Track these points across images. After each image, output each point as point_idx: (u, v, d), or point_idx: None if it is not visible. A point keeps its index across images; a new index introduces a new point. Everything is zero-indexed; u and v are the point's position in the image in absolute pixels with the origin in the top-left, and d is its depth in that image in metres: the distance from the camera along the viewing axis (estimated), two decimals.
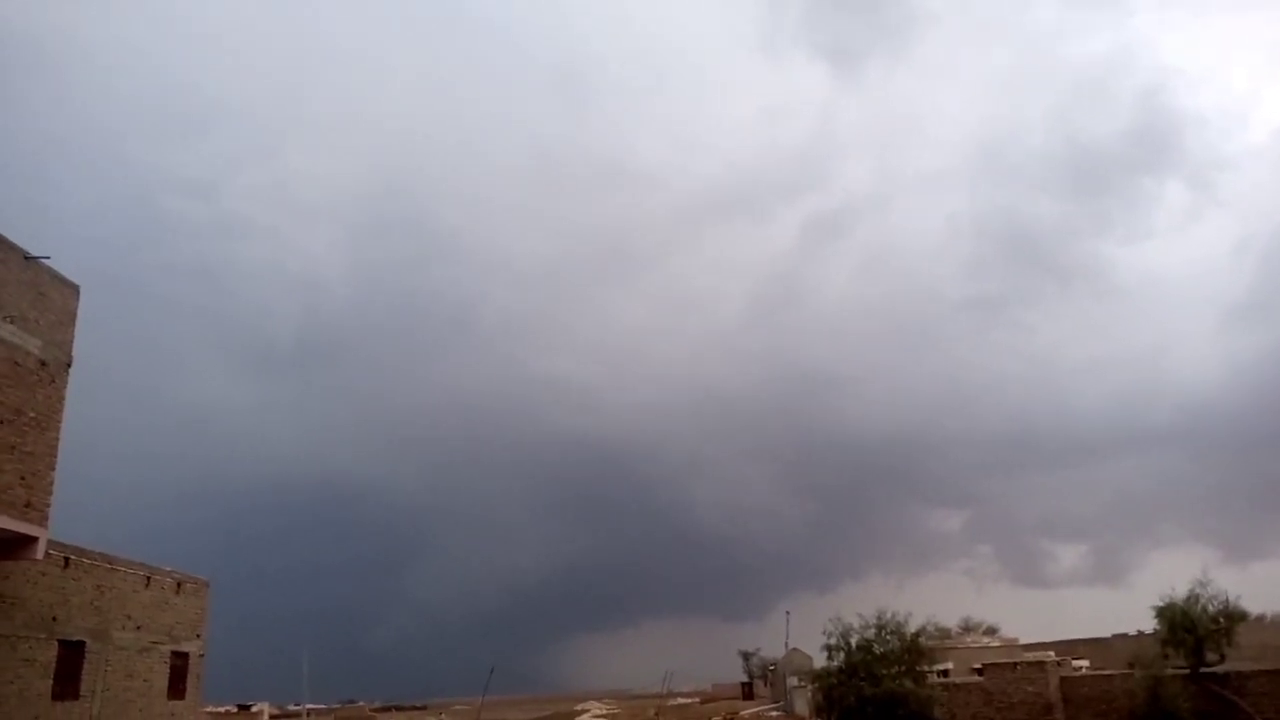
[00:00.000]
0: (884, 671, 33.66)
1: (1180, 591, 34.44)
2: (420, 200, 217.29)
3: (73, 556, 20.96)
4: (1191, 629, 33.47)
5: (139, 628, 23.41)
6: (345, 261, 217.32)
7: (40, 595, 19.77)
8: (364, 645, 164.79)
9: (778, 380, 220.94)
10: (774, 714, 60.90)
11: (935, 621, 44.19)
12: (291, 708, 77.16)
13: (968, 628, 64.88)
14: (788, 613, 69.50)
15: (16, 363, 16.47)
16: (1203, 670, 33.37)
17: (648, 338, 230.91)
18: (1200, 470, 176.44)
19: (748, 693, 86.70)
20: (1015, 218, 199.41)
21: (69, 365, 17.92)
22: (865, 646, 34.65)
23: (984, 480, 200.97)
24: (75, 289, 18.33)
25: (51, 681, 19.80)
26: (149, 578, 24.19)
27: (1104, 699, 35.19)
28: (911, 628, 35.03)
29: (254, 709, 64.26)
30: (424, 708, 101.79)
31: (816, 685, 39.52)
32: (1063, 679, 37.06)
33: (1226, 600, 33.82)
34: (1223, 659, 33.69)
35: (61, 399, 17.64)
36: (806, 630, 64.31)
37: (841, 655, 35.20)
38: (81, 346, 18.24)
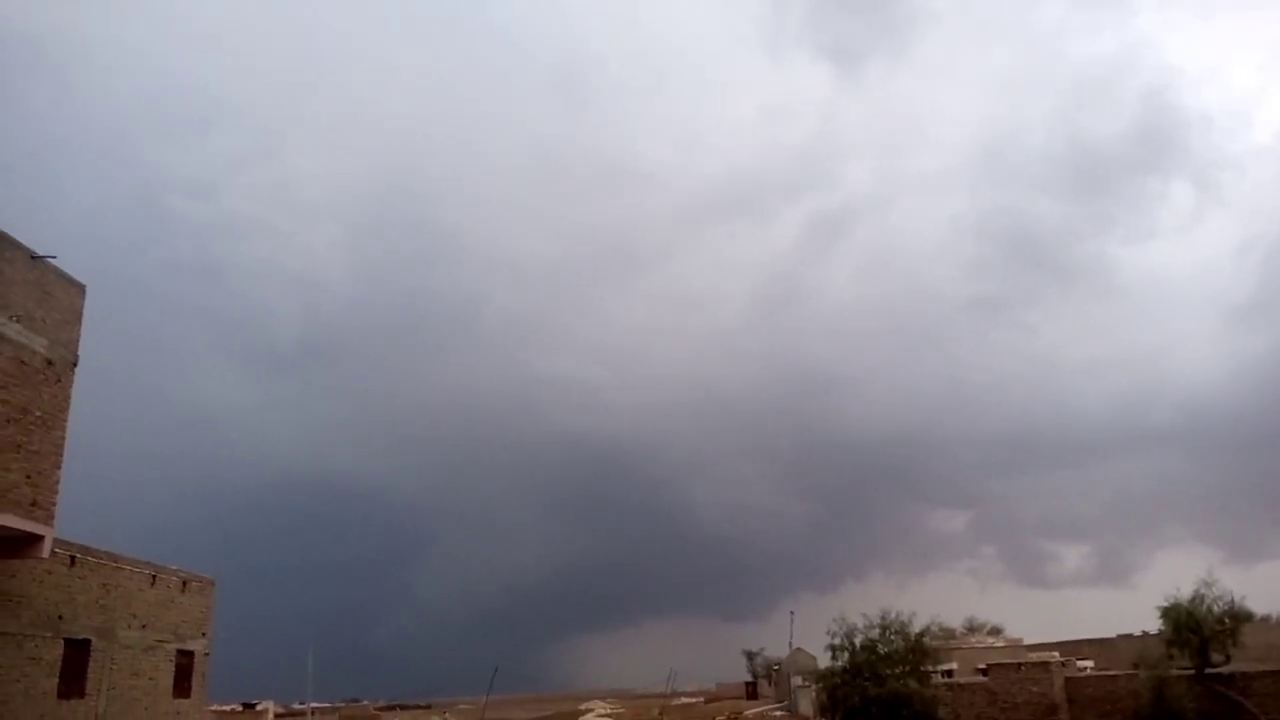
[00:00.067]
0: (888, 672, 33.61)
1: (1185, 592, 34.36)
2: (421, 200, 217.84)
3: (78, 555, 21.03)
4: (1196, 629, 33.36)
5: (144, 626, 23.47)
6: (346, 261, 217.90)
7: (46, 594, 19.83)
8: (367, 644, 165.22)
9: (779, 380, 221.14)
10: (778, 714, 60.87)
11: (939, 622, 44.18)
12: (296, 706, 77.36)
13: (972, 628, 64.75)
14: (792, 613, 69.71)
15: (23, 362, 16.52)
16: (1208, 671, 33.27)
17: (648, 338, 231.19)
18: (1203, 470, 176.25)
19: (752, 692, 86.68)
20: (1017, 218, 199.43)
21: (75, 364, 17.97)
22: (869, 646, 34.58)
23: (986, 480, 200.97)
24: (81, 288, 18.37)
25: (57, 680, 19.86)
26: (155, 576, 24.26)
27: (1109, 699, 35.10)
28: (916, 628, 34.98)
29: (259, 708, 64.43)
30: (428, 707, 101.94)
31: (821, 685, 39.44)
32: (1067, 679, 36.97)
33: (1231, 601, 33.69)
34: (1228, 660, 33.58)
35: (67, 398, 17.69)
36: (810, 630, 64.46)
37: (846, 655, 35.13)
38: (84, 346, 18.29)
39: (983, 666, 40.25)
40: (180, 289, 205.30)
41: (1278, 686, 32.27)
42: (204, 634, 26.46)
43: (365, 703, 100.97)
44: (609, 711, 75.37)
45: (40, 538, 16.88)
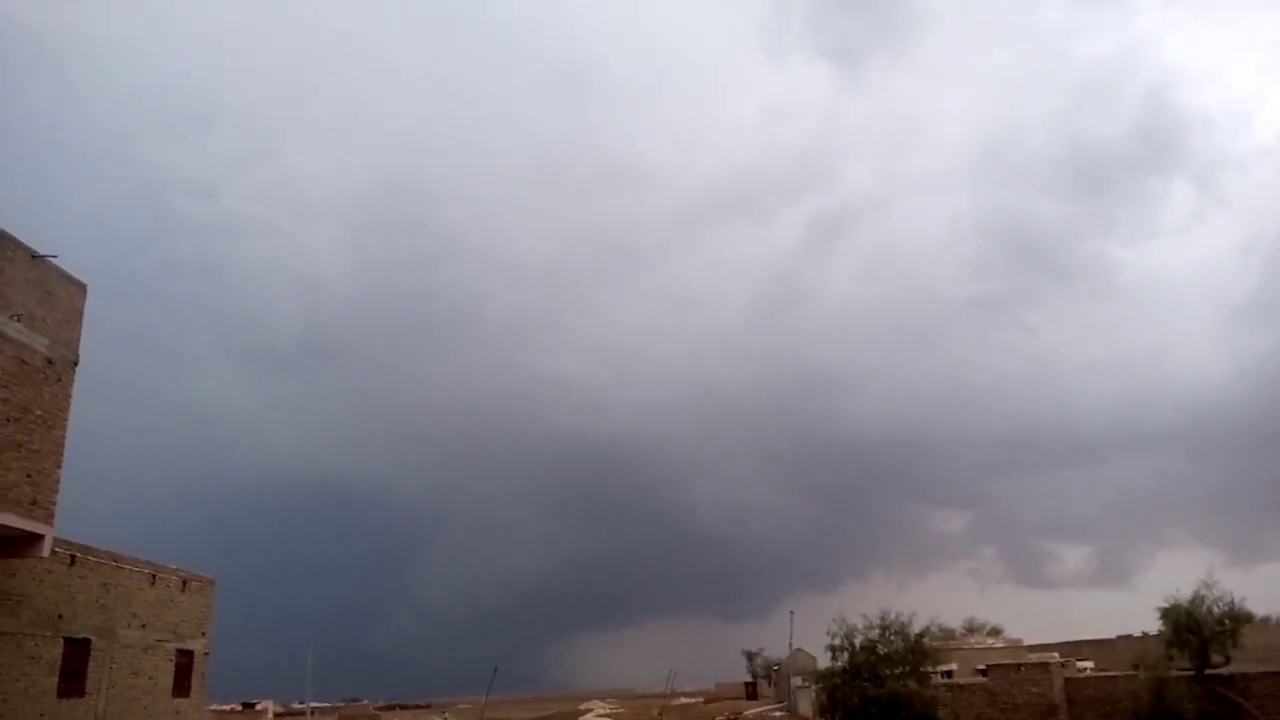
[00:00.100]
0: (888, 672, 33.62)
1: (1185, 593, 34.35)
2: (421, 200, 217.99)
3: (78, 554, 21.03)
4: (1196, 630, 33.35)
5: (144, 625, 23.47)
6: (346, 261, 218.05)
7: (46, 593, 19.83)
8: (367, 644, 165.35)
9: (779, 380, 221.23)
10: (778, 714, 60.88)
11: (939, 622, 44.20)
12: (295, 706, 77.39)
13: (971, 628, 64.76)
14: (792, 613, 69.73)
15: (24, 361, 16.52)
16: (1208, 672, 33.26)
17: (648, 338, 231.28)
18: (1204, 471, 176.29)
19: (751, 693, 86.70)
20: (1017, 218, 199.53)
21: (75, 364, 17.97)
22: (869, 647, 34.59)
23: (986, 481, 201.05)
24: (82, 287, 18.37)
25: (57, 679, 19.87)
26: (154, 576, 24.26)
27: (1108, 700, 35.09)
28: (915, 628, 34.99)
29: (258, 707, 64.50)
30: (427, 706, 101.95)
31: (820, 685, 39.46)
32: (1067, 680, 36.98)
33: (1231, 602, 33.68)
34: (1228, 661, 33.57)
35: (68, 397, 17.69)
36: (810, 630, 64.45)
37: (845, 655, 35.14)
38: (84, 345, 18.30)
39: (982, 667, 40.26)
40: (180, 289, 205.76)
41: (1278, 688, 32.26)
42: (204, 633, 26.47)
43: (365, 702, 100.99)
44: (608, 712, 75.36)
45: (40, 537, 16.88)
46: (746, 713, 62.43)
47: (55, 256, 17.50)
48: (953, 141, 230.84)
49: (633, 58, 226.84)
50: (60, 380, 17.48)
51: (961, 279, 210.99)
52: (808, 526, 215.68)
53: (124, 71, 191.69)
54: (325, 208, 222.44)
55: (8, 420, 15.98)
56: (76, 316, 18.18)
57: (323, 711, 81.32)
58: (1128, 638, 52.90)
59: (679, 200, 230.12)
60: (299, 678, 69.58)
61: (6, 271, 16.31)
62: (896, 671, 33.67)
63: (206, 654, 26.56)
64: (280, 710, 73.02)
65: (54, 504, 17.09)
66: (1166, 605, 34.62)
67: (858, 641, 34.84)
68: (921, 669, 34.64)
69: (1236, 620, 33.40)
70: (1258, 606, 38.45)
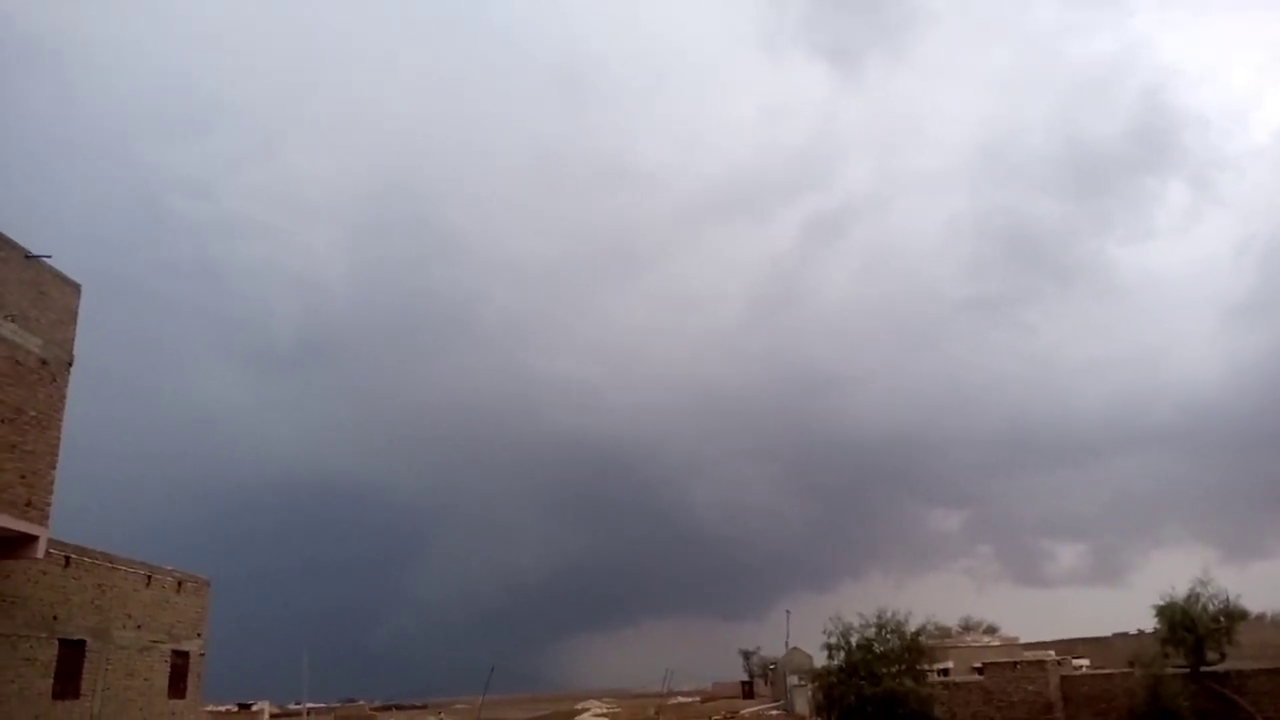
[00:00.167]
0: (884, 670, 33.67)
1: (1180, 590, 34.48)
2: (421, 200, 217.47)
3: (73, 555, 20.97)
4: (1192, 628, 33.48)
5: (140, 627, 23.42)
6: (346, 261, 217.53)
7: (41, 594, 19.78)
8: (364, 644, 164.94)
9: (778, 380, 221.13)
10: (774, 713, 60.92)
11: (935, 621, 44.23)
12: (292, 706, 77.29)
13: (968, 627, 64.95)
14: (788, 612, 69.56)
15: (17, 361, 16.48)
16: (1203, 669, 33.38)
17: (648, 338, 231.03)
18: (1200, 470, 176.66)
19: (748, 692, 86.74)
20: (1016, 218, 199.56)
21: (70, 364, 17.93)
22: (865, 645, 34.66)
23: (984, 480, 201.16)
24: (76, 288, 18.33)
25: (52, 680, 19.81)
26: (150, 577, 24.20)
27: (1104, 698, 35.21)
28: (912, 627, 35.06)
29: (254, 708, 64.35)
30: (424, 707, 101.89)
31: (817, 684, 39.54)
32: (1063, 678, 37.08)
33: (1227, 599, 33.85)
34: (1223, 658, 33.70)
35: (62, 398, 17.64)
36: (807, 629, 64.42)
37: (842, 654, 35.21)
38: (81, 345, 18.26)
39: (978, 665, 40.39)
40: (180, 289, 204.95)
41: (1273, 684, 32.39)
42: (199, 634, 26.41)
43: (361, 703, 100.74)
44: (605, 711, 75.38)
45: (35, 538, 16.84)
46: (743, 712, 62.47)
47: (49, 256, 17.47)
48: (951, 141, 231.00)
49: (632, 58, 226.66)
50: (55, 381, 17.44)
51: (960, 279, 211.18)
52: (806, 526, 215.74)
53: (123, 71, 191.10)
54: (325, 207, 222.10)
55: (1, 421, 15.94)
56: (71, 317, 18.14)
57: (319, 712, 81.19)
58: (1124, 635, 53.07)
59: (678, 200, 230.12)
60: (296, 678, 69.65)
61: (0, 272, 16.27)
62: (893, 670, 33.73)
63: (202, 655, 26.51)
64: (276, 711, 72.87)
65: (49, 505, 17.05)
66: (1162, 603, 34.77)
67: (854, 640, 34.92)
68: (917, 667, 34.70)
69: (1232, 618, 33.54)
70: (1253, 604, 38.60)
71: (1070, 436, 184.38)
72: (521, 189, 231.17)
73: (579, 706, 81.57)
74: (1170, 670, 33.50)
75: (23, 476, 16.36)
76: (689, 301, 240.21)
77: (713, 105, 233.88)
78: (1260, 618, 48.19)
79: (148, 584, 24.05)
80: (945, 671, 43.63)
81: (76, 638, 20.79)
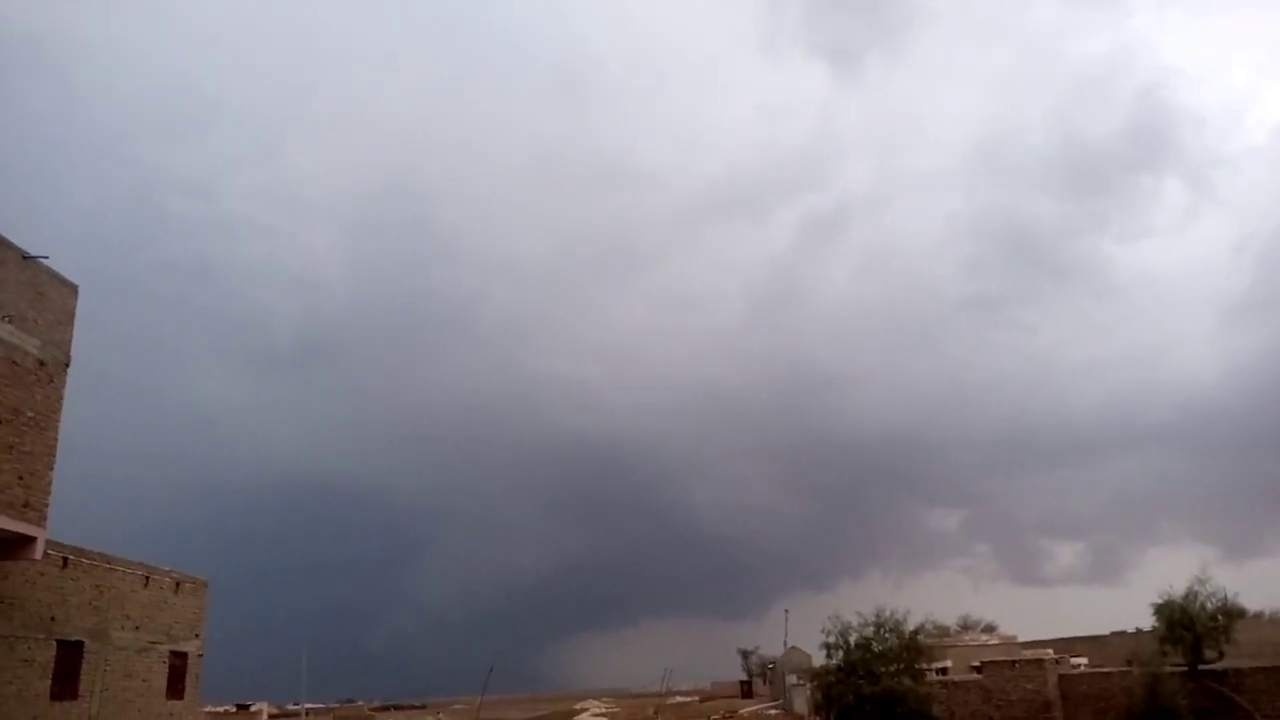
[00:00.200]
0: (883, 669, 33.72)
1: (1179, 589, 34.52)
2: (420, 200, 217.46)
3: (71, 556, 20.95)
4: (1190, 626, 33.52)
5: (138, 628, 23.40)
6: (345, 261, 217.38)
7: (39, 595, 19.75)
8: (363, 645, 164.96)
9: (778, 380, 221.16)
10: (773, 712, 60.96)
11: (933, 620, 44.27)
12: (290, 707, 77.23)
13: (966, 626, 64.97)
14: (786, 611, 69.69)
15: (15, 362, 16.46)
16: (1201, 667, 33.42)
17: (648, 338, 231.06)
18: (1199, 469, 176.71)
19: (747, 691, 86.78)
20: (1014, 217, 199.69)
21: (67, 365, 17.91)
22: (864, 645, 34.71)
23: (983, 479, 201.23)
24: (74, 288, 18.31)
25: (50, 681, 19.79)
26: (148, 577, 24.18)
27: (1102, 696, 35.24)
28: (910, 626, 35.12)
29: (253, 709, 64.30)
30: (423, 707, 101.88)
31: (815, 683, 39.59)
32: (1061, 677, 37.10)
33: (1225, 597, 33.88)
34: (1221, 656, 33.74)
35: (60, 399, 17.63)
36: (805, 629, 64.48)
37: (840, 653, 35.27)
38: (80, 346, 18.25)
39: (977, 664, 40.41)
40: (180, 289, 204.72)
41: (1271, 683, 32.42)
42: (197, 635, 26.39)
43: (360, 703, 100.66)
44: (604, 711, 75.43)
45: (33, 539, 16.82)
46: (742, 711, 62.52)
47: (46, 257, 17.44)
48: (950, 141, 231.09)
49: (631, 57, 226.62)
50: (52, 381, 17.42)
51: (959, 278, 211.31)
52: (805, 526, 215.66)
53: (123, 71, 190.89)
54: (324, 207, 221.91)
55: None
56: (68, 317, 18.12)
57: (317, 713, 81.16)
58: (1122, 634, 53.12)
59: (678, 200, 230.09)
60: (294, 678, 69.63)
61: None
62: (891, 669, 33.78)
63: (200, 656, 26.48)
64: (275, 711, 72.79)
65: (46, 506, 17.03)
66: (1160, 601, 34.80)
67: (852, 639, 34.98)
68: (916, 666, 34.76)
69: (1230, 616, 33.58)
70: (1251, 602, 38.59)
71: (1069, 436, 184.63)
72: (521, 189, 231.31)
73: (578, 706, 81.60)
74: (1168, 669, 33.54)
75: (20, 477, 16.34)
76: (689, 301, 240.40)
77: (712, 105, 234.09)
78: (1258, 616, 48.24)
79: (146, 585, 24.03)
80: (943, 670, 43.66)
81: (74, 639, 20.77)
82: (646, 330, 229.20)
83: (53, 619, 20.13)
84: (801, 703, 53.16)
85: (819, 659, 40.02)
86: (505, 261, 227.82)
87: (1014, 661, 38.04)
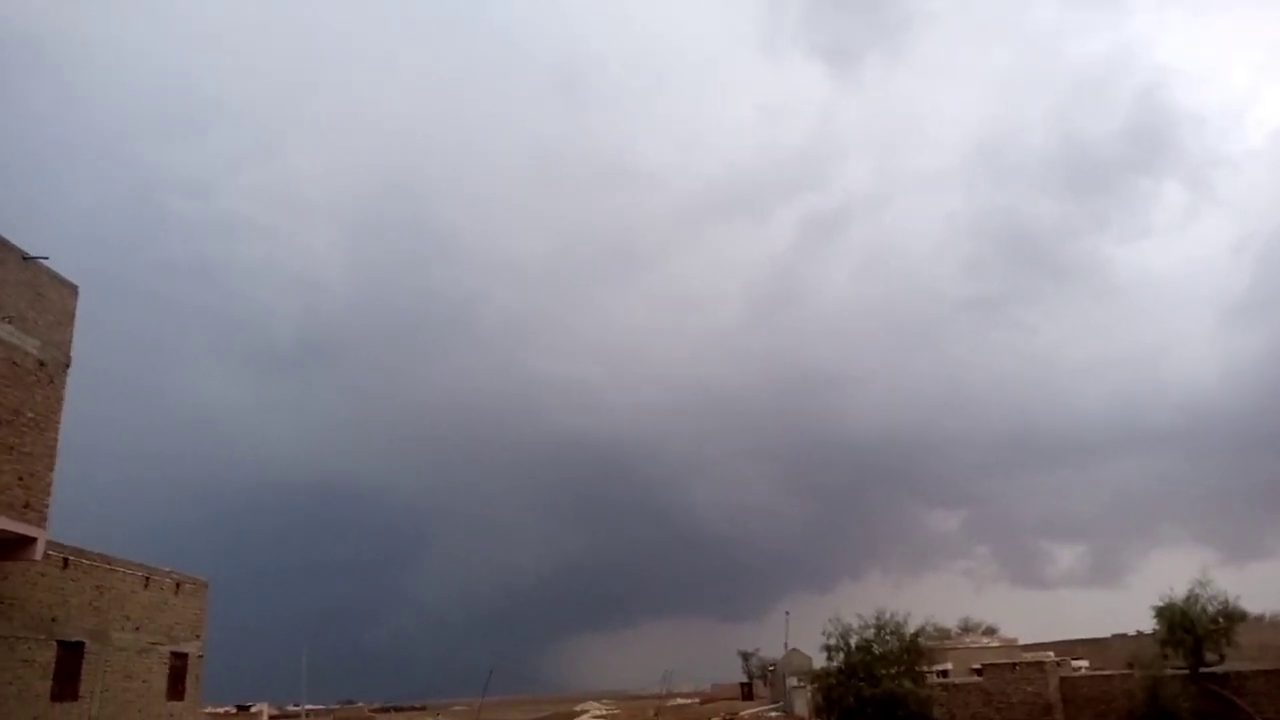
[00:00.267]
0: (883, 672, 33.67)
1: (1179, 592, 34.49)
2: (420, 200, 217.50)
3: (71, 557, 20.93)
4: (1191, 629, 33.48)
5: (138, 628, 23.38)
6: (345, 261, 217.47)
7: (39, 596, 19.74)
8: (363, 645, 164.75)
9: (778, 380, 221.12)
10: (773, 714, 60.90)
11: (934, 622, 44.29)
12: (291, 708, 77.18)
13: (967, 628, 64.91)
14: (787, 613, 69.58)
15: (15, 363, 16.45)
16: (1202, 670, 33.38)
17: (648, 338, 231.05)
18: (1199, 470, 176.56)
19: (747, 693, 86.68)
20: (1014, 217, 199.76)
21: (67, 365, 17.90)
22: (864, 647, 34.67)
23: (983, 480, 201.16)
24: (74, 289, 18.31)
25: (51, 682, 19.77)
26: (148, 578, 24.16)
27: (1103, 699, 35.19)
28: (910, 628, 35.09)
29: (253, 709, 64.24)
30: (423, 708, 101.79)
31: (816, 686, 39.55)
32: (1062, 679, 37.06)
33: (1225, 600, 33.86)
34: (1222, 659, 33.70)
35: (60, 399, 17.62)
36: (806, 630, 64.40)
37: (841, 656, 35.22)
38: (80, 346, 18.23)
39: (978, 666, 40.34)
40: (180, 289, 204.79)
41: (1271, 685, 32.38)
42: (198, 636, 26.37)
43: (360, 704, 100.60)
44: (604, 712, 75.37)
45: (33, 540, 16.80)
46: (742, 713, 62.44)
47: (46, 258, 17.43)
48: (950, 141, 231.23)
49: (631, 58, 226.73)
50: (52, 382, 17.41)
51: (959, 278, 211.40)
52: (806, 526, 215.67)
53: (123, 72, 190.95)
54: (324, 207, 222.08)
55: None
56: (68, 318, 18.11)
57: (318, 713, 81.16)
58: (1123, 637, 53.05)
59: (678, 200, 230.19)
60: (294, 679, 69.61)
61: None
62: (892, 671, 33.73)
63: (201, 656, 26.46)
64: (275, 712, 72.71)
65: (47, 506, 17.02)
66: (1161, 604, 34.77)
67: (853, 641, 34.93)
68: (917, 669, 34.72)
69: (1231, 619, 33.54)
70: (1252, 605, 38.60)
71: (1069, 437, 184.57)
72: (521, 189, 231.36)
73: (578, 708, 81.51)
74: (1169, 671, 33.50)
75: (20, 478, 16.33)
76: (689, 301, 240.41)
77: (712, 105, 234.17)
78: (1259, 619, 48.18)
79: (146, 585, 24.01)
80: (944, 673, 43.59)
81: (75, 639, 20.75)
82: (646, 330, 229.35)
83: (53, 620, 20.12)
84: (802, 705, 53.09)
85: (820, 661, 39.99)
86: (505, 261, 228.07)
87: (1015, 664, 37.99)
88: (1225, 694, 32.82)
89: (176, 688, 25.02)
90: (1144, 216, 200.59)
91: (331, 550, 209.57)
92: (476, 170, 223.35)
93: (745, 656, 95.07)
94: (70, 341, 18.08)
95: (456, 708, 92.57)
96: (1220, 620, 33.51)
